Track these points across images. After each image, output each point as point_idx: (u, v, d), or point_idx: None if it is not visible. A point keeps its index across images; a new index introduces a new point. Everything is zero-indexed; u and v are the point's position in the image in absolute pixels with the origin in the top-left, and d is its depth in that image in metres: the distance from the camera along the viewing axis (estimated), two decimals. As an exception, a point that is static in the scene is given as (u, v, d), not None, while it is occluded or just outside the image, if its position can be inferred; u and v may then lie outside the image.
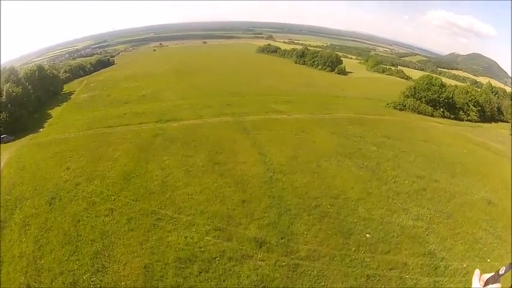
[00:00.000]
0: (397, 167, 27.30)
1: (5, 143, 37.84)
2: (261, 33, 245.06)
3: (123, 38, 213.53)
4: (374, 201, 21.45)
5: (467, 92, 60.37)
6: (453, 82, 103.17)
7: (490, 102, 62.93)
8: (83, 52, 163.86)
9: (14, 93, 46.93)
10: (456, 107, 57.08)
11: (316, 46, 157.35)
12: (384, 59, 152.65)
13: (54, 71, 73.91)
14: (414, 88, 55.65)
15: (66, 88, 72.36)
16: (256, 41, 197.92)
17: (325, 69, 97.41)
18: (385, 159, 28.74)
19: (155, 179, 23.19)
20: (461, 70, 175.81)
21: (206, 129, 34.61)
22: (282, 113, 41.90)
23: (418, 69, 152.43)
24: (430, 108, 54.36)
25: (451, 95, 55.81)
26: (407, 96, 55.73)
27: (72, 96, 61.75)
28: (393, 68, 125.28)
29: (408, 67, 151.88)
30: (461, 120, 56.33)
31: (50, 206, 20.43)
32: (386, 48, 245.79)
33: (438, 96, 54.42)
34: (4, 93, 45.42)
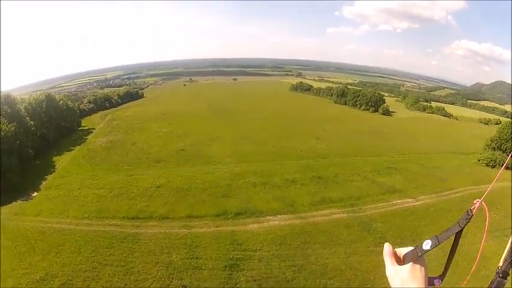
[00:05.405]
0: None
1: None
2: (290, 71, 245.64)
3: (153, 71, 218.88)
4: None
5: None
6: (486, 115, 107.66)
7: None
8: (111, 82, 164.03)
9: (3, 133, 32.00)
10: None
11: (347, 83, 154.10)
12: (416, 95, 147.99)
13: (69, 103, 61.16)
14: (499, 138, 50.06)
15: (86, 123, 64.84)
16: (286, 78, 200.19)
17: (368, 109, 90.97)
18: None
19: None
20: (487, 100, 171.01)
21: (319, 251, 21.01)
22: (402, 195, 30.64)
23: (449, 103, 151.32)
24: None
25: None
26: (494, 148, 50.23)
27: (88, 138, 51.64)
28: (433, 105, 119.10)
29: (439, 101, 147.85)
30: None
31: None
32: (413, 83, 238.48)
33: None
34: None
